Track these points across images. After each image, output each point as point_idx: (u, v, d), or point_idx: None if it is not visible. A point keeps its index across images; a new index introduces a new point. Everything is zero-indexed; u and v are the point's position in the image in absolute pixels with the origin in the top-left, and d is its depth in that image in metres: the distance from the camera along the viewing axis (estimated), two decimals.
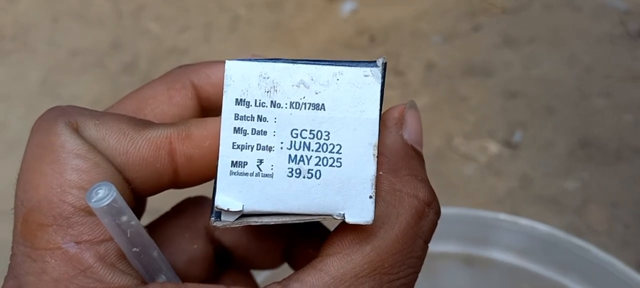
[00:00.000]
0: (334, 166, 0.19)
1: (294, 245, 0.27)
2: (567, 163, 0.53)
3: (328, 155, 0.19)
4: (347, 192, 0.19)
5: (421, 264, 0.21)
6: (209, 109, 0.25)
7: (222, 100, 0.24)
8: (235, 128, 0.19)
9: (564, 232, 0.42)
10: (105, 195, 0.19)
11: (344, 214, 0.19)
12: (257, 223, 0.19)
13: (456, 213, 0.43)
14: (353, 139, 0.19)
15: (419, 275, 0.21)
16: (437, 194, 0.22)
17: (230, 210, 0.19)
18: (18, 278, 0.20)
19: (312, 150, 0.19)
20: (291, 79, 0.19)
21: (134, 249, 0.20)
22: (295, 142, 0.19)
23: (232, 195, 0.19)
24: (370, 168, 0.19)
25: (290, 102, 0.19)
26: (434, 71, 0.59)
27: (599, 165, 0.52)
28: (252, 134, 0.19)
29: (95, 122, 0.21)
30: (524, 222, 0.43)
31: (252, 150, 0.19)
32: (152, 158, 0.21)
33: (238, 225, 0.19)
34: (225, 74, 0.19)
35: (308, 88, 0.19)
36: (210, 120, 0.22)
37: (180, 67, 0.25)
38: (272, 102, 0.19)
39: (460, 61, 0.59)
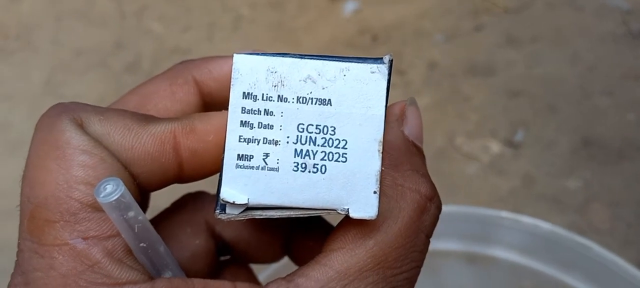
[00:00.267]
0: (339, 161, 0.19)
1: (294, 238, 0.27)
2: (570, 163, 0.53)
3: (334, 150, 0.19)
4: (352, 187, 0.19)
5: (423, 258, 0.21)
6: (211, 103, 0.25)
7: (224, 94, 0.24)
8: (242, 121, 0.19)
9: (566, 230, 0.42)
10: (113, 190, 0.19)
11: (348, 209, 0.19)
12: (262, 217, 0.20)
13: (458, 212, 0.44)
14: (359, 135, 0.19)
15: (421, 273, 0.21)
16: (439, 193, 0.22)
17: (235, 203, 0.19)
18: (26, 274, 0.20)
19: (318, 145, 0.19)
20: (298, 73, 0.20)
21: (142, 244, 0.20)
22: (301, 136, 0.19)
23: (237, 188, 0.19)
24: (375, 163, 0.19)
25: (297, 97, 0.19)
26: (437, 70, 0.59)
27: (602, 164, 0.53)
28: (258, 127, 0.19)
29: (100, 117, 0.21)
30: (526, 220, 0.43)
31: (258, 144, 0.19)
32: (157, 153, 0.21)
33: (243, 218, 0.20)
34: (233, 67, 0.19)
35: (315, 83, 0.20)
36: (213, 115, 0.22)
37: (182, 62, 0.25)
38: (279, 96, 0.19)
39: (463, 60, 0.59)
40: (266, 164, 0.19)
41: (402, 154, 0.21)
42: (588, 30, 0.60)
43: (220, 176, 0.20)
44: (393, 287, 0.20)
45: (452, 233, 0.44)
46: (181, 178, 0.23)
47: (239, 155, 0.19)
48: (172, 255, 0.22)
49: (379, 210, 0.19)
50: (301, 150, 0.19)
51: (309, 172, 0.19)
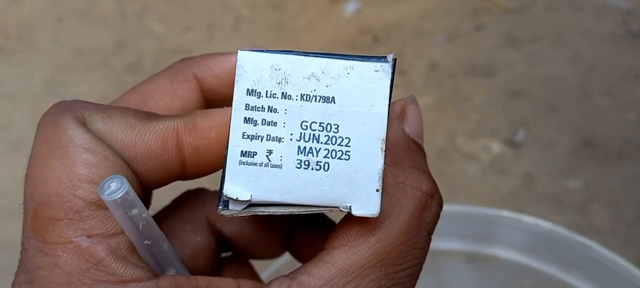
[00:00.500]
0: (342, 159, 0.19)
1: (295, 234, 0.27)
2: (570, 163, 0.53)
3: (337, 147, 0.19)
4: (355, 184, 0.19)
5: (425, 255, 0.21)
6: (212, 100, 0.25)
7: (225, 91, 0.24)
8: (245, 118, 0.20)
9: (567, 229, 0.42)
10: (117, 188, 0.19)
11: (350, 206, 0.19)
12: (264, 213, 0.20)
13: (459, 211, 0.44)
14: (362, 133, 0.19)
15: (422, 272, 0.22)
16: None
17: (238, 199, 0.19)
18: (30, 272, 0.20)
19: (321, 143, 0.19)
20: (303, 71, 0.20)
21: (146, 242, 0.20)
22: (304, 134, 0.19)
23: (240, 185, 0.19)
24: (378, 162, 0.19)
25: (301, 94, 0.20)
26: (437, 70, 0.59)
27: (602, 164, 0.53)
28: (262, 124, 0.20)
29: (102, 115, 0.22)
30: (526, 219, 0.43)
31: (261, 141, 0.19)
32: (160, 150, 0.22)
33: (245, 215, 0.20)
34: (237, 63, 0.20)
35: (319, 81, 0.20)
36: (215, 112, 0.22)
37: (182, 60, 0.25)
38: (283, 93, 0.20)
39: (463, 60, 0.60)
40: (269, 161, 0.19)
41: (403, 152, 0.22)
42: (588, 30, 0.60)
43: (224, 172, 0.20)
44: (395, 283, 0.20)
45: (453, 233, 0.44)
46: (184, 176, 0.23)
47: (242, 151, 0.19)
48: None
49: (381, 208, 0.19)
50: (304, 147, 0.19)
51: (312, 169, 0.19)
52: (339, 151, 0.19)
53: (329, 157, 0.19)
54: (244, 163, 0.19)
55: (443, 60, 0.60)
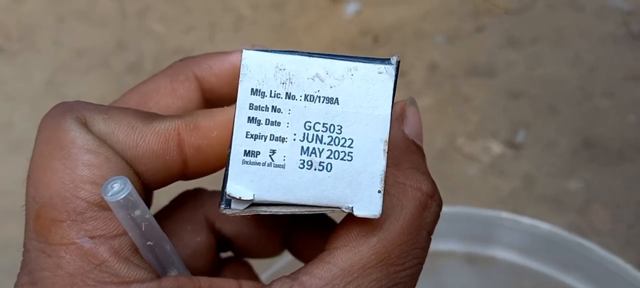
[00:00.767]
0: (345, 160, 0.20)
1: (295, 234, 0.27)
2: (570, 163, 0.53)
3: (340, 148, 0.20)
4: (357, 185, 0.19)
5: (425, 255, 0.22)
6: (212, 100, 0.25)
7: (225, 90, 0.24)
8: (249, 117, 0.20)
9: (566, 230, 0.42)
10: (120, 189, 0.19)
11: (352, 207, 0.20)
12: (267, 213, 0.20)
13: (458, 212, 0.44)
14: (365, 134, 0.20)
15: (421, 273, 0.22)
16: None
17: (241, 198, 0.19)
18: (32, 274, 0.20)
19: (324, 143, 0.20)
20: (307, 71, 0.20)
21: (148, 243, 0.20)
22: (308, 134, 0.20)
23: (243, 184, 0.19)
24: (380, 163, 0.20)
25: (305, 95, 0.20)
26: (437, 71, 0.59)
27: (602, 165, 0.53)
28: (266, 124, 0.20)
29: (104, 116, 0.22)
30: (526, 220, 0.43)
31: (265, 141, 0.20)
32: (161, 150, 0.22)
33: (247, 214, 0.20)
34: (242, 63, 0.20)
35: (323, 81, 0.20)
36: (217, 111, 0.22)
37: (182, 59, 0.25)
38: (287, 93, 0.20)
39: (464, 61, 0.60)
40: (273, 161, 0.20)
41: (403, 153, 0.22)
42: (589, 31, 0.60)
43: (226, 171, 0.20)
44: (396, 283, 0.20)
45: (453, 234, 0.44)
46: (185, 176, 0.23)
47: (245, 151, 0.20)
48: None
49: (383, 209, 0.20)
50: (307, 147, 0.20)
51: (315, 169, 0.19)
52: (341, 152, 0.20)
53: (331, 158, 0.20)
54: (247, 163, 0.20)
55: (443, 61, 0.60)
